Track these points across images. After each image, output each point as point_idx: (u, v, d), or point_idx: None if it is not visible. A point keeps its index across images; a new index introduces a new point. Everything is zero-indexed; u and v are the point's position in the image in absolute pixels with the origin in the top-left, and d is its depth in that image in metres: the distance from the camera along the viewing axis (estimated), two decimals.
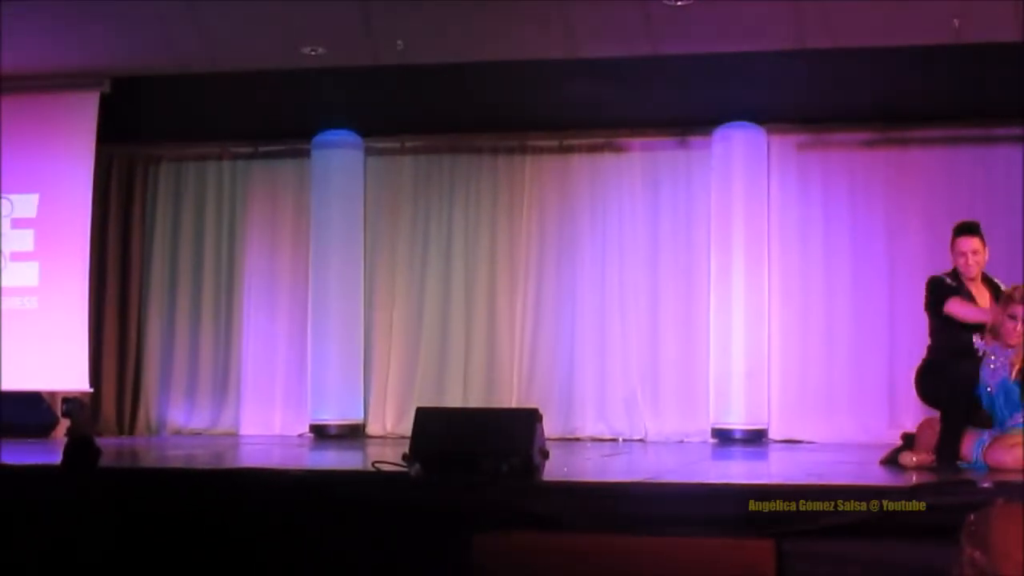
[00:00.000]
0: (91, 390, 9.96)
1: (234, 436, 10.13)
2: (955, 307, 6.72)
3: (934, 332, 6.92)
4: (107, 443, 7.09)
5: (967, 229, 6.90)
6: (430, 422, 5.64)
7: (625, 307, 9.87)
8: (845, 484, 5.35)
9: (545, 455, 5.51)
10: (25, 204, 9.95)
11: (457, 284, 10.12)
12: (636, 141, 10.01)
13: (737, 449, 9.02)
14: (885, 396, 9.33)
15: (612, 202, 9.99)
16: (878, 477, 6.23)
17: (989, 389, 6.46)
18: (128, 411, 10.33)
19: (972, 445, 6.43)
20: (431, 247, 10.20)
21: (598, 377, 9.87)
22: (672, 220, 9.92)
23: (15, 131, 9.81)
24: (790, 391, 9.60)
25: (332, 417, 10.00)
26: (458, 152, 10.27)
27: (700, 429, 9.58)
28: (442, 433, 5.55)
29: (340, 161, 10.18)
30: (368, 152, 10.30)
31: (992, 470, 6.18)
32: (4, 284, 9.87)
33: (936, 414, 6.85)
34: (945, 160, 9.50)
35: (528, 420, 5.51)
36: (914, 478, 5.92)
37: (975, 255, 6.82)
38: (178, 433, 10.24)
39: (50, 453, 6.99)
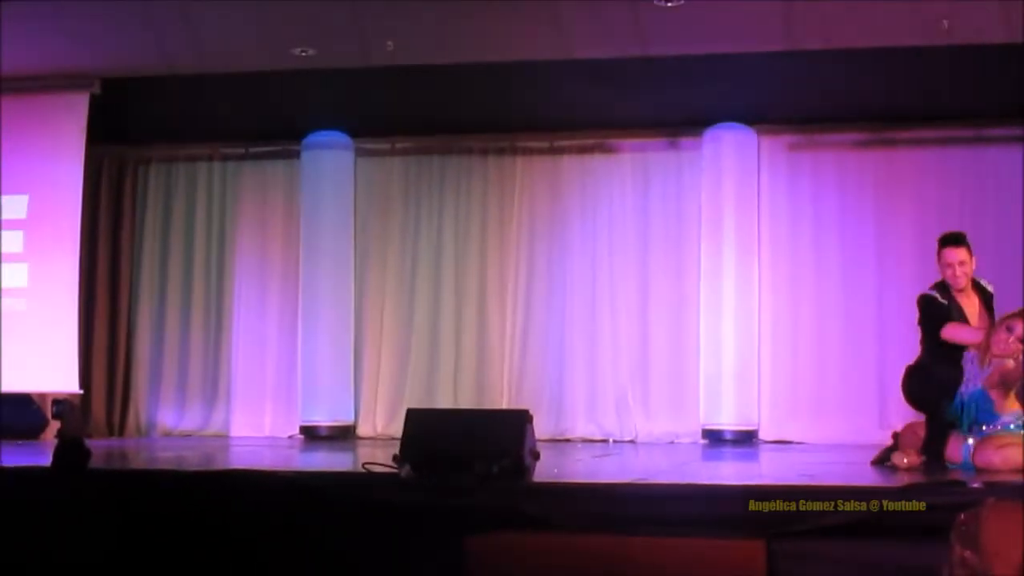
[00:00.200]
0: (81, 391, 9.93)
1: (224, 437, 10.10)
2: (952, 333, 6.66)
3: (925, 341, 6.90)
4: (97, 445, 7.06)
5: (953, 240, 6.82)
6: (421, 423, 5.64)
7: (616, 308, 9.87)
8: (839, 485, 5.35)
9: (536, 456, 5.50)
10: (15, 205, 9.89)
11: (447, 285, 10.11)
12: (627, 142, 10.00)
13: (728, 450, 9.04)
14: (875, 397, 9.32)
15: (602, 203, 9.98)
16: (870, 478, 6.23)
17: (962, 395, 6.48)
18: (118, 412, 10.30)
19: (957, 447, 6.45)
20: (421, 248, 10.19)
21: (588, 378, 9.87)
22: (662, 221, 9.91)
23: (5, 132, 9.74)
24: (780, 392, 9.61)
25: (322, 418, 9.98)
26: (448, 153, 10.25)
27: (690, 430, 9.57)
28: (433, 434, 5.53)
29: (330, 162, 10.17)
30: (358, 153, 10.28)
31: (980, 471, 6.18)
32: None
33: (920, 418, 6.86)
34: (936, 161, 9.50)
35: (518, 421, 5.51)
36: (905, 479, 5.93)
37: (962, 266, 6.75)
38: (168, 434, 10.20)
39: (40, 455, 6.99)
